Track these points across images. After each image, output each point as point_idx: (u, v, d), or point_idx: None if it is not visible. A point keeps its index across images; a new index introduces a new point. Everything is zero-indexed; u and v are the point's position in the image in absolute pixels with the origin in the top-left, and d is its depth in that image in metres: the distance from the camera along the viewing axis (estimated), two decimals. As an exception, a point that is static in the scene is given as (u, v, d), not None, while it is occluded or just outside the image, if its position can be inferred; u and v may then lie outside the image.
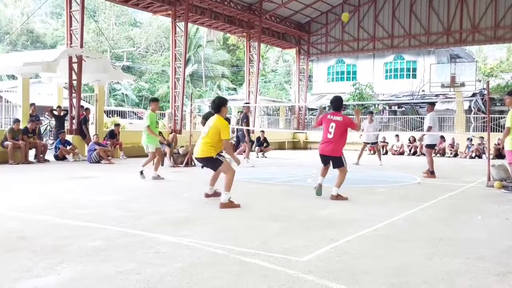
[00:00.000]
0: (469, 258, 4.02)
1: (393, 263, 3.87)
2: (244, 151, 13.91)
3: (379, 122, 18.00)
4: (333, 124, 7.14)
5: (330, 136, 7.17)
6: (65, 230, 4.91)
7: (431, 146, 11.00)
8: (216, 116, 6.60)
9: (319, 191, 7.27)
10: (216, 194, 7.01)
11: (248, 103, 16.36)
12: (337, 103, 7.36)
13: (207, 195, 7.04)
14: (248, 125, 14.11)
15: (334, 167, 7.31)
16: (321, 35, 27.34)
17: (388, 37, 25.29)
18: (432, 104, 11.45)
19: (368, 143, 15.11)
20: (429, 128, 10.60)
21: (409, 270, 3.68)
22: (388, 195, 7.94)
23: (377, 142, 15.18)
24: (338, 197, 7.05)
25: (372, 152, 20.07)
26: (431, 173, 10.77)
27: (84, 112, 15.78)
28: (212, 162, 6.63)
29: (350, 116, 9.39)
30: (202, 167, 7.22)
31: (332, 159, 7.24)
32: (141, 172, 9.55)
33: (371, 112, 15.96)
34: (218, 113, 6.62)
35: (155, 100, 10.10)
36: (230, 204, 6.38)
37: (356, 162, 13.78)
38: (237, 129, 17.29)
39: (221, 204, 6.36)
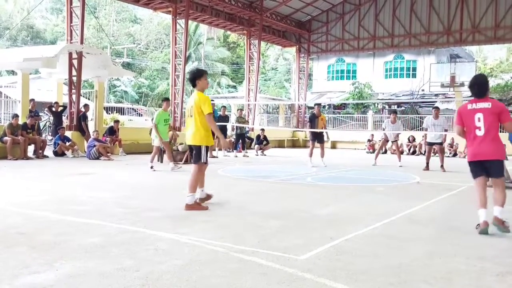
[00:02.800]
0: (469, 258, 4.02)
1: (392, 262, 3.86)
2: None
3: (401, 123, 16.91)
4: (479, 115, 4.96)
5: (480, 132, 4.96)
6: (64, 226, 4.90)
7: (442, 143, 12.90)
8: (195, 92, 6.17)
9: (485, 230, 4.90)
10: (209, 197, 6.45)
11: (319, 104, 15.01)
12: (479, 88, 5.07)
13: (201, 200, 6.28)
14: (310, 126, 13.06)
15: (492, 176, 5.07)
16: (321, 33, 27.31)
17: (388, 36, 25.27)
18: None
19: (388, 140, 14.09)
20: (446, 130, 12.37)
21: (408, 269, 3.68)
22: (387, 194, 7.93)
23: (396, 140, 13.97)
24: (504, 224, 4.87)
25: (371, 150, 20.09)
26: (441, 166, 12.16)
27: (83, 109, 15.76)
28: (198, 152, 6.22)
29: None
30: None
31: (493, 164, 4.99)
32: (152, 167, 10.42)
33: (395, 112, 14.71)
34: (196, 87, 6.18)
35: (166, 99, 11.27)
36: (196, 206, 5.96)
37: (374, 163, 13.38)
38: (236, 126, 17.30)
39: (187, 205, 5.93)
